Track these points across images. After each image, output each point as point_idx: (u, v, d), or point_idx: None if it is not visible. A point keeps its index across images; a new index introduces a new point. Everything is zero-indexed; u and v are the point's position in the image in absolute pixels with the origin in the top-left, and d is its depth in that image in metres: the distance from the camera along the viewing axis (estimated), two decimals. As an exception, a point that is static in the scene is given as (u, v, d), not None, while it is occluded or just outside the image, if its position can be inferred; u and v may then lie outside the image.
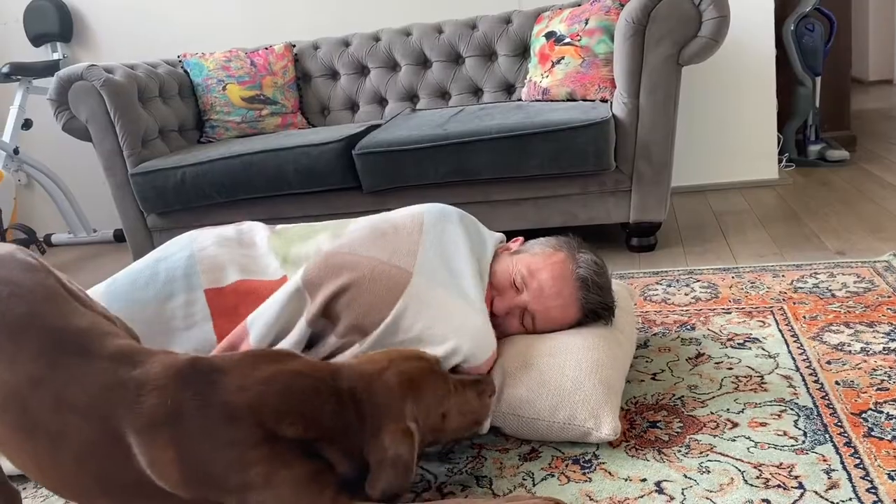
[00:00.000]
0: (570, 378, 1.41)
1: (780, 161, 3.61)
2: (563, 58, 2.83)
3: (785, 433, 1.35)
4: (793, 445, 1.31)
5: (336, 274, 1.43)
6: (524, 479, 1.30)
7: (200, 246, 1.59)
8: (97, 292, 1.55)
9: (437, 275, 1.45)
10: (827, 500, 1.15)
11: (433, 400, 1.23)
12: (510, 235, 1.78)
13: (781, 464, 1.26)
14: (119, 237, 4.01)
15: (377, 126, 2.90)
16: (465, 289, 1.47)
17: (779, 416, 1.41)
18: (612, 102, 2.61)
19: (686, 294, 2.12)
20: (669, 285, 2.21)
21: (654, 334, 1.86)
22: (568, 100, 2.80)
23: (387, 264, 1.44)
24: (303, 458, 1.10)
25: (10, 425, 1.08)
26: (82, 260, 3.71)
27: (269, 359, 1.17)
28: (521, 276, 1.56)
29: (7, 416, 1.08)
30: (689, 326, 1.88)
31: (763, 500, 1.17)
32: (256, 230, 1.68)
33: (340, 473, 1.13)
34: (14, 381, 1.07)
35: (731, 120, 3.43)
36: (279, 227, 1.70)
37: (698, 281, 2.22)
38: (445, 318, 1.39)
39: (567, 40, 2.83)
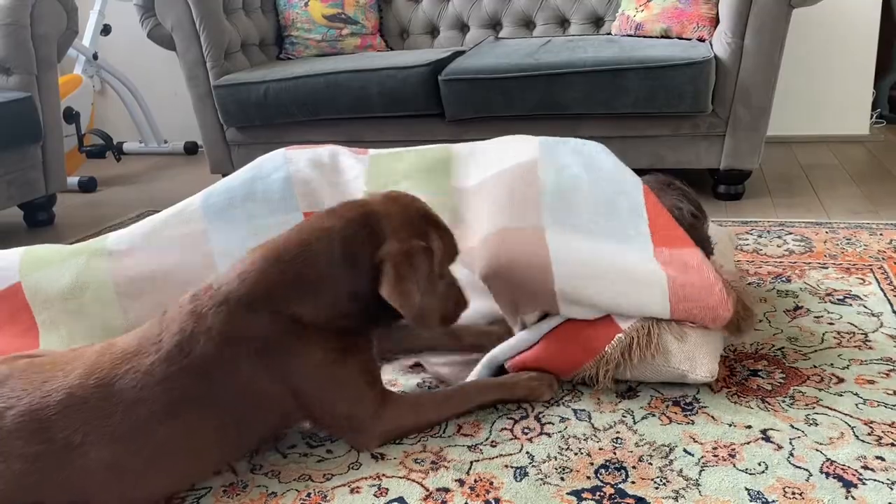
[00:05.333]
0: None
1: (870, 117, 3.45)
2: (661, -8, 2.71)
3: (895, 392, 1.32)
4: (904, 405, 1.28)
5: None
6: (624, 416, 1.30)
7: (296, 168, 1.58)
8: (193, 204, 1.56)
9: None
10: (945, 462, 1.13)
11: (440, 245, 1.22)
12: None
13: (894, 423, 1.23)
14: (189, 150, 4.04)
15: (462, 52, 2.84)
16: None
17: (887, 375, 1.38)
18: (711, 42, 2.50)
19: (778, 246, 2.06)
20: (760, 236, 2.15)
21: (749, 284, 1.81)
22: (662, 36, 2.70)
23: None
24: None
25: None
26: (155, 170, 3.76)
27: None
28: None
29: None
30: (784, 278, 1.83)
31: (877, 458, 1.14)
32: (347, 164, 1.63)
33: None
34: None
35: (824, 70, 3.28)
36: (371, 156, 1.65)
37: (790, 233, 2.15)
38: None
39: (667, -27, 2.71)
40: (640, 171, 1.71)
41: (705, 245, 1.57)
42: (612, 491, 1.11)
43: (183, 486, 1.18)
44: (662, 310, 1.33)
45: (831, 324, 1.59)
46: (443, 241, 1.23)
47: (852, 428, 1.22)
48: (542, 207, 1.42)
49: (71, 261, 1.50)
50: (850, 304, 1.67)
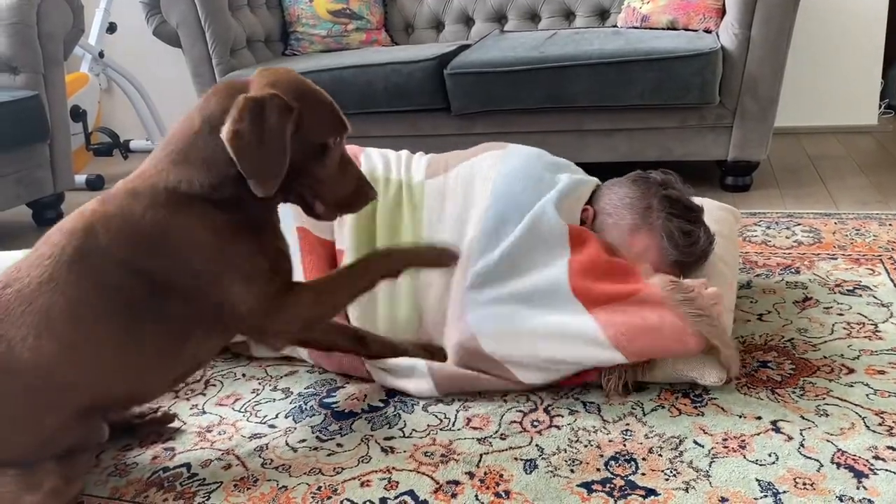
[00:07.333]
0: None
1: (879, 107, 3.43)
2: (666, -17, 2.70)
3: (906, 383, 1.31)
4: (915, 396, 1.27)
5: None
6: (633, 408, 1.29)
7: None
8: None
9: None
10: (957, 452, 1.12)
11: (313, 112, 1.13)
12: (600, 169, 1.70)
13: (905, 413, 1.23)
14: (196, 147, 4.05)
15: (467, 46, 2.83)
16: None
17: (897, 365, 1.37)
18: (717, 33, 2.49)
19: (787, 237, 2.05)
20: (769, 227, 2.14)
21: (757, 275, 1.81)
22: (669, 28, 2.68)
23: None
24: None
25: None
26: (162, 167, 3.76)
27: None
28: None
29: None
30: (793, 270, 1.83)
31: (888, 448, 1.14)
32: None
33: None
34: None
35: (832, 60, 3.25)
36: None
37: (799, 224, 2.14)
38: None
39: (673, -35, 2.69)
40: (643, 165, 1.70)
41: (698, 261, 1.51)
42: (623, 483, 1.11)
43: (133, 393, 1.18)
44: (613, 358, 1.29)
45: (841, 314, 1.58)
46: (315, 108, 1.13)
47: (863, 418, 1.22)
48: (467, 306, 1.38)
49: None
50: (860, 295, 1.67)
